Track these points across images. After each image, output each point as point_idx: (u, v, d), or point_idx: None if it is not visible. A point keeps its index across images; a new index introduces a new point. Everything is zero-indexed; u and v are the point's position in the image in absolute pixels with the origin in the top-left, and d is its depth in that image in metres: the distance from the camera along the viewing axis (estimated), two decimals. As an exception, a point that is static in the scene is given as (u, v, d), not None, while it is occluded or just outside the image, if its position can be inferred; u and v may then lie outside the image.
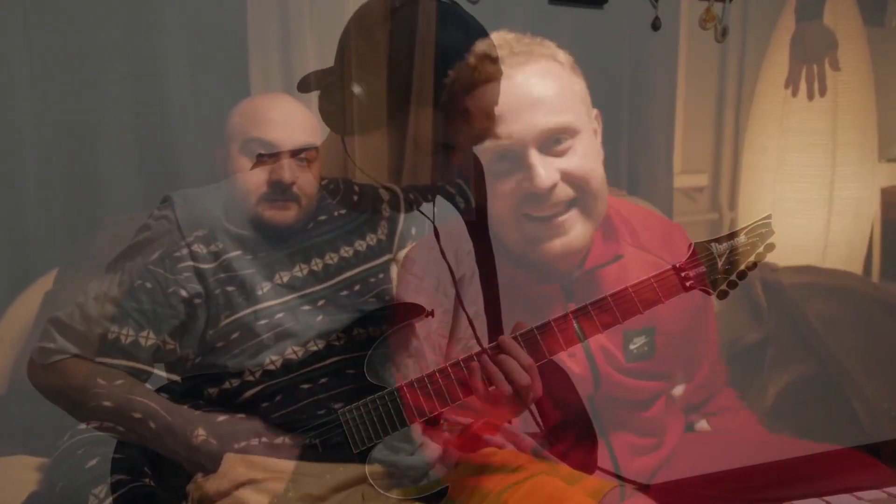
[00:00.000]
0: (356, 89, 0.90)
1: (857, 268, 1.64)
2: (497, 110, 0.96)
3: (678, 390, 1.22)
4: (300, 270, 1.01)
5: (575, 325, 0.89)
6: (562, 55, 1.03)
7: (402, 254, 1.09)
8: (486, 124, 0.92)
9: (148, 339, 0.97)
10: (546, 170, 0.98)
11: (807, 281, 1.43)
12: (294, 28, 1.31)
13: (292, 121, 1.00)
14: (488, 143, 0.95)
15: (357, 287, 1.02)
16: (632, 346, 0.92)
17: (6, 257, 1.24)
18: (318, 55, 1.33)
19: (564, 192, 1.00)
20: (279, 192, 0.96)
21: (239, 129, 1.00)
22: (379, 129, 0.93)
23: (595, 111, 1.06)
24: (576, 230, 1.02)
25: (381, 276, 1.04)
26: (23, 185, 1.22)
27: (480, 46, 0.90)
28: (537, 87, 0.98)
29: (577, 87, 1.03)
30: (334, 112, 0.93)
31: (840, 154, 1.59)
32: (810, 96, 1.43)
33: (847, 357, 1.25)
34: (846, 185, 1.60)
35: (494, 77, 0.91)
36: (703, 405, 1.23)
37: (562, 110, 0.98)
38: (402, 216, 1.07)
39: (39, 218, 1.24)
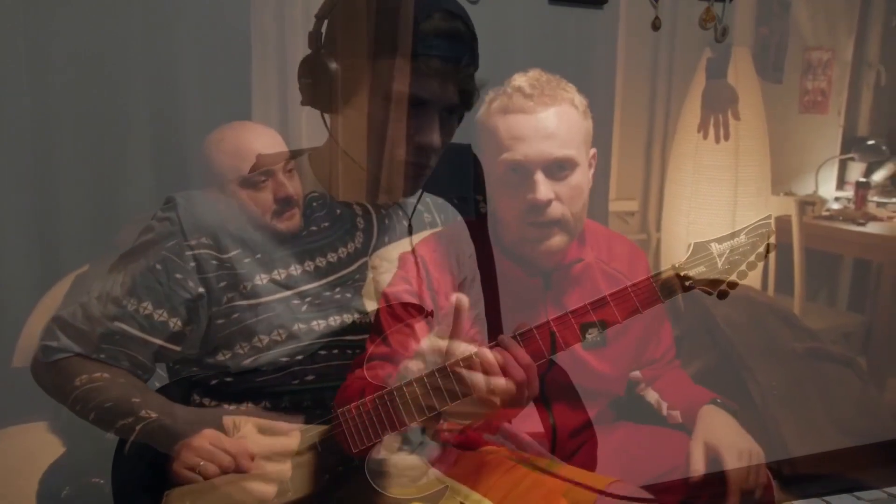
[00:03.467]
0: (332, 64, 0.91)
1: (755, 282, 1.79)
2: (515, 129, 1.06)
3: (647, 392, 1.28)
4: (295, 270, 1.04)
5: (574, 324, 0.89)
6: (578, 100, 1.13)
7: (375, 256, 1.13)
8: (458, 74, 0.92)
9: (149, 338, 0.97)
10: (546, 188, 1.10)
11: (715, 291, 1.66)
12: (290, 47, 1.37)
13: (270, 143, 1.04)
14: (505, 156, 1.07)
15: (338, 288, 1.08)
16: (588, 336, 0.89)
17: (36, 256, 1.25)
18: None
19: (557, 208, 1.12)
20: (286, 205, 1.03)
21: (231, 169, 1.02)
22: (356, 98, 0.92)
23: (593, 150, 1.17)
24: (558, 238, 1.14)
25: (358, 276, 1.11)
26: (48, 189, 1.24)
27: (445, 2, 0.91)
28: (553, 124, 1.09)
29: (583, 128, 1.14)
30: (310, 85, 0.93)
31: (741, 187, 1.78)
32: (717, 140, 1.63)
33: (744, 350, 1.45)
34: (746, 212, 1.78)
35: (459, 29, 0.92)
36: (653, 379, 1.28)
37: (568, 146, 1.10)
38: (374, 228, 1.13)
39: (67, 217, 1.26)
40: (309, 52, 0.97)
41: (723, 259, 0.88)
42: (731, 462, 1.05)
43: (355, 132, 0.96)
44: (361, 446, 0.91)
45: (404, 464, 0.94)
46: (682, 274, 0.88)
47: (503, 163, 1.11)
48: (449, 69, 0.93)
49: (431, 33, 0.91)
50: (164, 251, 0.97)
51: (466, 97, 0.97)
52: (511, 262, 1.17)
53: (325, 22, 0.95)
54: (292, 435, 0.91)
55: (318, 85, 0.93)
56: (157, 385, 1.02)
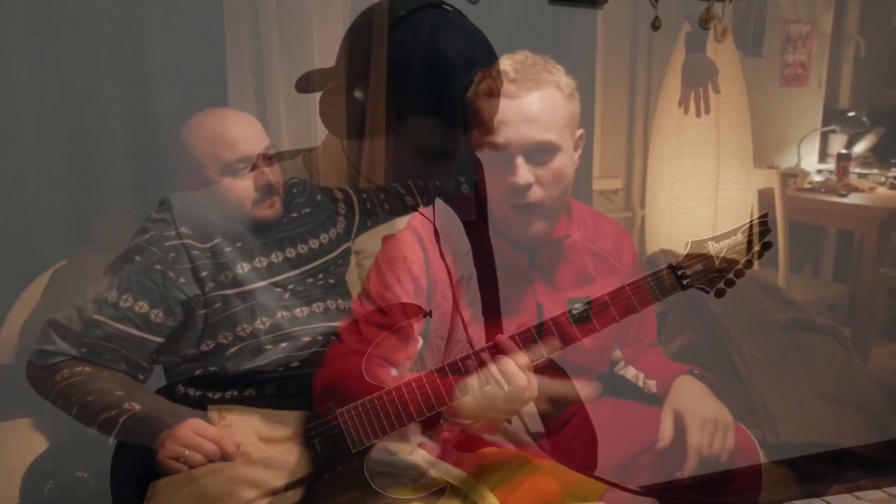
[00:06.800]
0: (358, 94, 0.90)
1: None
2: (496, 121, 1.04)
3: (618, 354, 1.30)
4: (277, 258, 1.05)
5: (573, 323, 0.89)
6: (564, 82, 1.12)
7: (358, 240, 1.16)
8: (485, 134, 0.95)
9: (147, 339, 0.97)
10: (526, 172, 1.09)
11: (699, 265, 1.67)
12: (264, 37, 1.38)
13: (250, 130, 1.03)
14: (487, 137, 1.06)
15: (321, 274, 1.08)
16: (574, 312, 0.90)
17: (14, 252, 1.24)
18: (285, 59, 1.38)
19: (537, 192, 1.11)
20: (267, 193, 1.02)
21: (211, 157, 1.00)
22: (379, 135, 0.93)
23: (580, 132, 1.17)
24: (539, 223, 1.14)
25: (340, 262, 1.12)
26: (26, 184, 1.23)
27: (490, 62, 0.92)
28: (535, 109, 1.08)
29: (567, 112, 1.13)
30: (335, 116, 0.94)
31: (723, 161, 1.78)
32: (698, 114, 1.61)
33: (729, 323, 1.46)
34: (728, 186, 1.79)
35: (497, 91, 0.94)
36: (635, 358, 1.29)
37: (549, 130, 1.09)
38: (357, 213, 1.15)
39: (42, 214, 1.25)
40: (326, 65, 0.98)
41: (720, 258, 0.89)
42: (694, 427, 1.07)
43: (371, 162, 0.97)
44: (361, 446, 0.90)
45: (403, 464, 0.94)
46: (679, 273, 0.88)
47: (484, 146, 1.10)
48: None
49: (473, 94, 0.91)
50: (160, 253, 0.96)
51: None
52: (497, 236, 1.18)
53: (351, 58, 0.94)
54: (289, 450, 0.91)
55: (349, 119, 0.93)
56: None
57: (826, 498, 1.07)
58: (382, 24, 0.90)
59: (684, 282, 0.89)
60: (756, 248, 0.90)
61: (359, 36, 0.92)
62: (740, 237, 0.89)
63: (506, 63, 1.11)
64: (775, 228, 2.01)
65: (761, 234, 0.90)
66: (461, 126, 0.92)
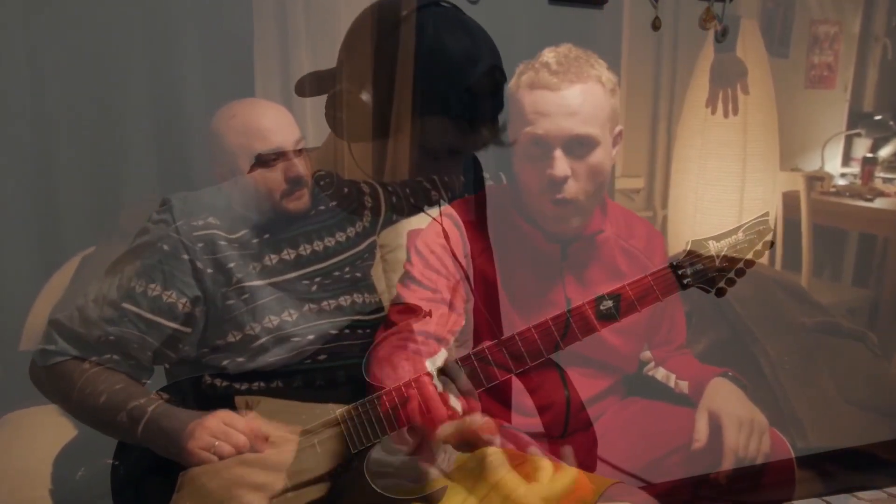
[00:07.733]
0: (364, 97, 0.91)
1: (763, 257, 1.89)
2: (538, 104, 1.05)
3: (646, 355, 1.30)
4: (304, 250, 1.04)
5: (573, 322, 0.88)
6: (606, 77, 1.11)
7: (383, 234, 1.16)
8: (492, 130, 0.95)
9: (173, 329, 0.97)
10: (563, 164, 1.08)
11: (723, 266, 1.65)
12: (292, 31, 1.38)
13: (281, 121, 1.02)
14: (527, 129, 1.06)
15: (347, 268, 1.09)
16: (601, 308, 0.90)
17: (41, 239, 1.25)
18: (312, 54, 1.39)
19: (573, 186, 1.10)
20: (297, 185, 1.02)
21: (241, 147, 0.99)
22: (386, 137, 0.93)
23: (619, 128, 1.15)
24: (575, 219, 1.13)
25: (366, 256, 1.13)
26: (53, 175, 1.24)
27: (491, 58, 0.91)
28: (577, 102, 1.07)
29: (608, 107, 1.11)
30: (342, 119, 0.94)
31: (749, 163, 1.76)
32: (726, 114, 1.61)
33: (754, 324, 1.45)
34: (754, 188, 1.78)
35: (500, 84, 0.94)
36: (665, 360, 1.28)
37: (589, 124, 1.08)
38: (382, 206, 1.15)
39: (69, 204, 1.26)
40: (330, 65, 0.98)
41: (720, 257, 0.88)
42: (730, 428, 1.05)
43: (377, 164, 0.97)
44: (361, 447, 0.90)
45: (403, 465, 0.93)
46: (679, 272, 0.88)
47: (525, 136, 1.10)
48: (487, 124, 0.94)
49: (477, 93, 0.90)
50: (161, 253, 0.96)
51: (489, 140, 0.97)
52: (532, 226, 1.18)
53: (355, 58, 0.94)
54: (285, 450, 0.90)
55: (351, 120, 0.93)
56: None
57: (826, 498, 1.08)
58: (384, 25, 0.90)
59: (684, 281, 0.88)
60: (758, 247, 0.89)
61: (360, 37, 0.93)
62: (741, 236, 0.89)
63: (549, 55, 1.10)
64: (799, 231, 2.02)
65: (763, 232, 0.89)
66: (467, 123, 0.92)
